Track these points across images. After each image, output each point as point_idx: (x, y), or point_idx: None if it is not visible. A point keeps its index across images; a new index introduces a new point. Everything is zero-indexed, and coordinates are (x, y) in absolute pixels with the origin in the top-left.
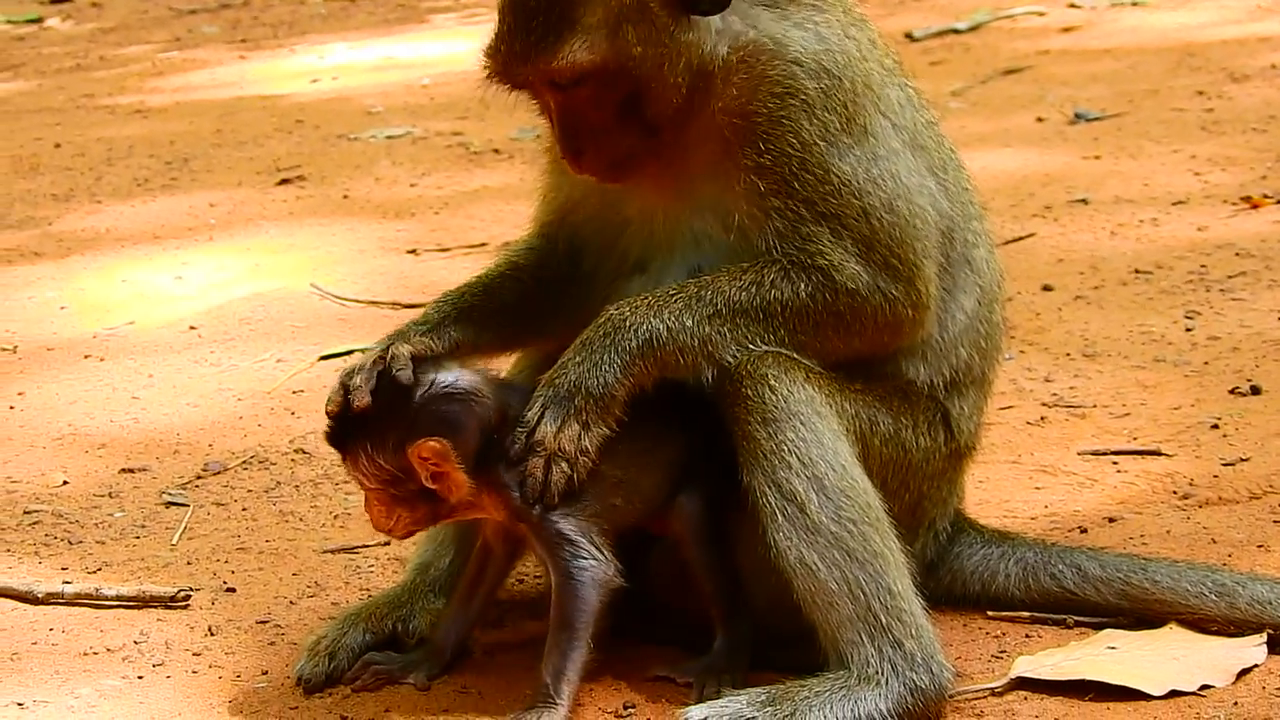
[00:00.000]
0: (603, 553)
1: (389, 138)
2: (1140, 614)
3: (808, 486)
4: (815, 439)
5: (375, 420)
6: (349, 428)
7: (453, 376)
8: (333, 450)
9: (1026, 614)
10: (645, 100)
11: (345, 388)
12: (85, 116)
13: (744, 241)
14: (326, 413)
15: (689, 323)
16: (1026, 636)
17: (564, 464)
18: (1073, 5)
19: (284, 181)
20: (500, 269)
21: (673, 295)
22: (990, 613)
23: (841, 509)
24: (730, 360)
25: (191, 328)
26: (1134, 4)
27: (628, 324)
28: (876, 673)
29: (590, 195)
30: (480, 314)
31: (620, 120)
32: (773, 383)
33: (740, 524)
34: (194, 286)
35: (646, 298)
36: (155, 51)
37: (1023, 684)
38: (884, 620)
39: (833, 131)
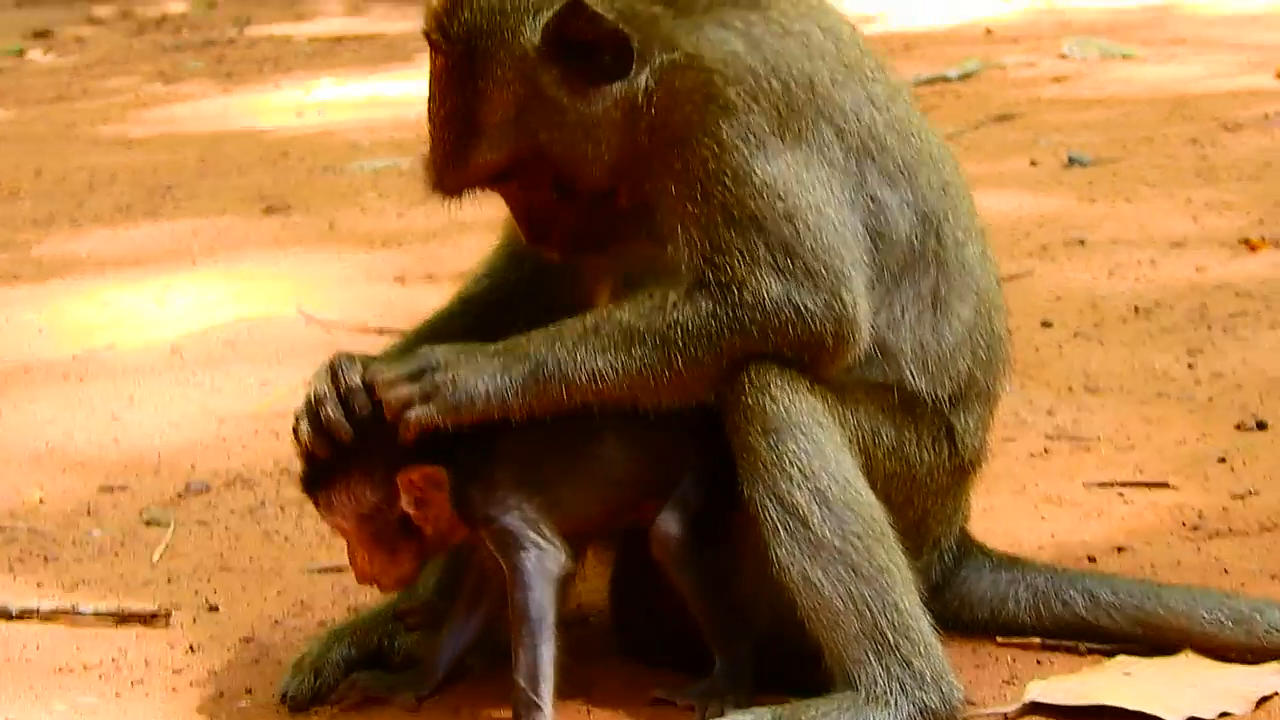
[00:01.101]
0: (550, 541)
1: (375, 170)
2: (1154, 641)
3: (810, 499)
4: (818, 451)
5: (356, 449)
6: (327, 465)
7: None
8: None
9: (1038, 640)
10: (571, 176)
11: (317, 425)
12: (67, 145)
13: (671, 253)
14: (303, 454)
15: (580, 355)
16: (1038, 663)
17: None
18: (1063, 57)
19: (269, 210)
20: (449, 308)
21: (571, 325)
22: (1000, 639)
23: (845, 523)
24: (620, 393)
25: (173, 350)
26: (1124, 57)
27: (519, 350)
28: (885, 692)
29: None
30: None
31: (565, 197)
32: (774, 391)
33: (738, 537)
34: (176, 310)
35: (548, 329)
36: (139, 84)
37: (1036, 709)
38: (891, 638)
39: (757, 134)
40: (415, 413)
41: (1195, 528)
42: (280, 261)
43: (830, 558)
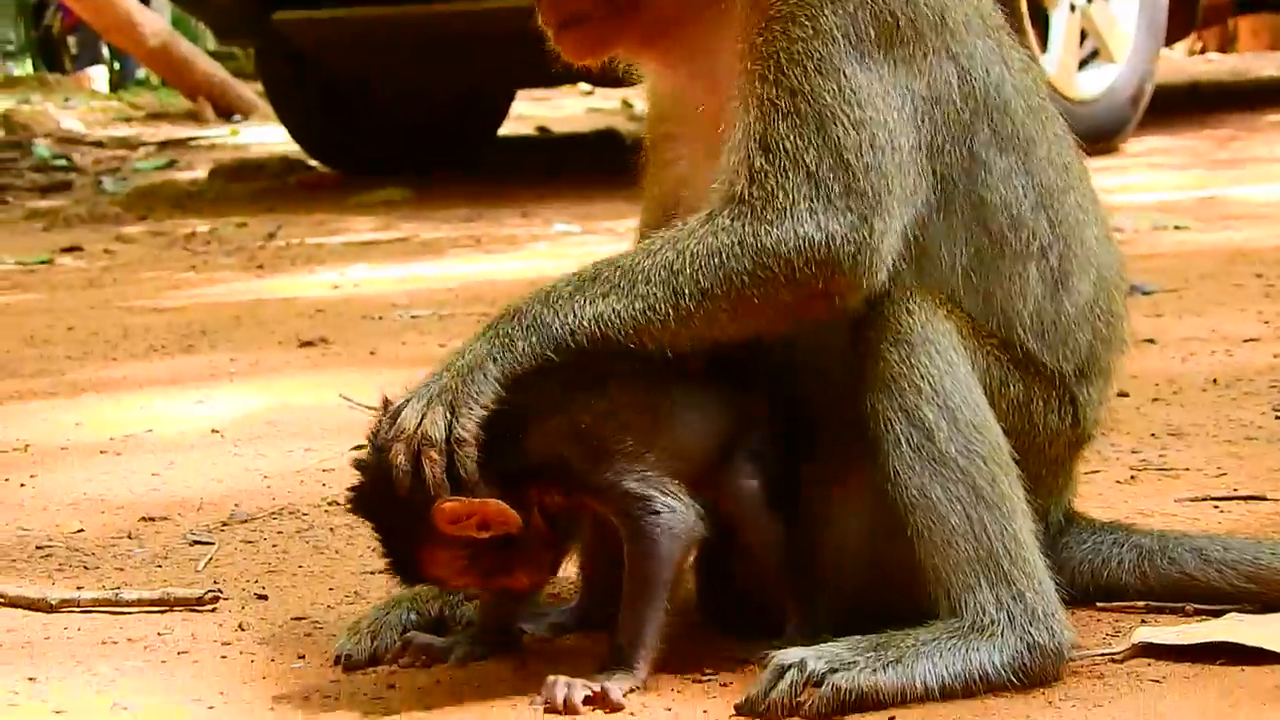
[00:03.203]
0: (679, 499)
1: (414, 317)
2: (1270, 597)
3: (938, 415)
4: (950, 370)
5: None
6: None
7: None
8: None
9: (1141, 603)
10: None
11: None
12: (98, 313)
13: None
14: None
15: (605, 309)
16: (1143, 621)
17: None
18: (1116, 230)
19: (307, 344)
20: None
21: (594, 279)
22: (1100, 604)
23: (972, 443)
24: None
25: (214, 430)
26: (1177, 228)
27: (526, 316)
28: (993, 622)
29: (679, 179)
30: None
31: None
32: (912, 306)
33: (829, 499)
34: (216, 407)
35: (560, 284)
36: (170, 274)
37: (1147, 650)
38: (1005, 567)
39: (860, 35)
40: (460, 427)
41: None
42: (320, 377)
43: (953, 476)
